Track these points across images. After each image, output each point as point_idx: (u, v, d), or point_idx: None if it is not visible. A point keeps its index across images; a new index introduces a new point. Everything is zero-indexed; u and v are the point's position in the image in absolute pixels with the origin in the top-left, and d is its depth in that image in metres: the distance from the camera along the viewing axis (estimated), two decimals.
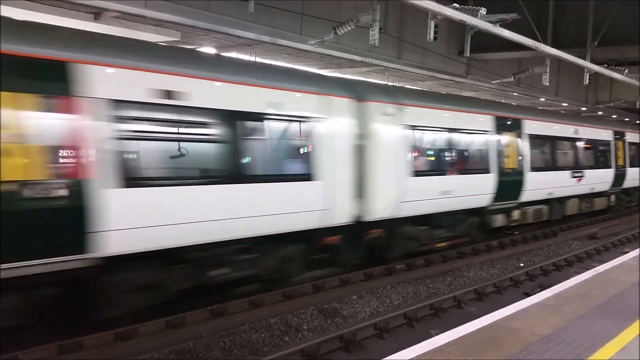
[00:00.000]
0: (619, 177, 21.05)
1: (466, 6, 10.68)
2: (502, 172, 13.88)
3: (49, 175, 6.04)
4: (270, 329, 7.96)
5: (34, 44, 6.12)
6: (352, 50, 13.70)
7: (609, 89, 27.11)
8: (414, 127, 11.23)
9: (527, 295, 8.99)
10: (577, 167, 17.79)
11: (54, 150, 6.09)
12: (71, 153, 6.23)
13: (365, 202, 10.17)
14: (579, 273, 9.21)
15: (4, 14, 6.57)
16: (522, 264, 13.11)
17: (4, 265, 5.79)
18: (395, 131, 10.77)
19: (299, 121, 8.95)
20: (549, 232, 17.08)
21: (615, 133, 21.02)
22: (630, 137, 22.41)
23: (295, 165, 8.99)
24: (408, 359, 4.90)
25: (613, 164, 20.51)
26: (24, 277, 6.06)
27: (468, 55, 12.58)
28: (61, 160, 6.14)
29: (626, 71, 17.17)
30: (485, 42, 14.36)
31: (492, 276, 11.67)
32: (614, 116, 31.36)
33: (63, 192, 6.17)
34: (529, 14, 14.11)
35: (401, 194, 10.81)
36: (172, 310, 8.13)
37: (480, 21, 10.73)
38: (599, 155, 19.58)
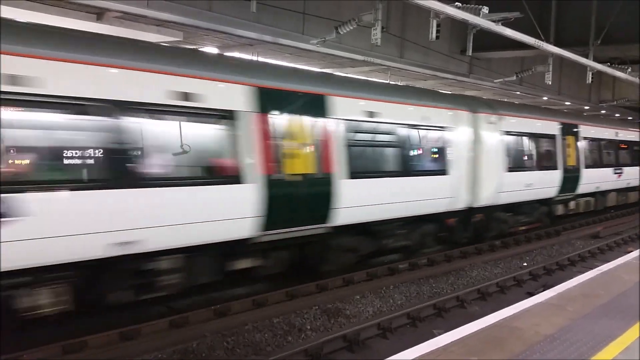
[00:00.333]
0: None
1: (468, 5, 10.68)
2: (565, 169, 16.44)
3: (317, 170, 9.00)
4: (273, 329, 7.96)
5: (313, 85, 9.30)
6: (354, 50, 13.70)
7: (612, 88, 27.08)
8: (508, 133, 13.88)
9: (531, 294, 8.96)
10: (617, 165, 20.48)
11: (316, 153, 8.99)
12: (325, 156, 9.12)
13: (474, 192, 12.81)
14: (583, 272, 9.19)
15: (4, 14, 6.58)
16: (525, 264, 13.09)
17: (292, 229, 8.77)
18: (496, 136, 13.43)
19: (439, 130, 11.80)
20: (552, 232, 17.05)
21: None
22: None
23: (437, 163, 11.79)
24: (411, 359, 4.89)
25: None
26: (293, 239, 8.90)
27: (470, 54, 12.58)
28: (320, 161, 9.06)
29: (629, 70, 17.14)
30: (487, 41, 14.34)
31: (496, 276, 11.65)
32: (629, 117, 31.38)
33: (322, 182, 9.11)
34: (531, 12, 14.09)
35: (499, 186, 13.45)
36: (175, 310, 8.15)
37: (482, 20, 10.72)
38: (634, 154, 22.29)
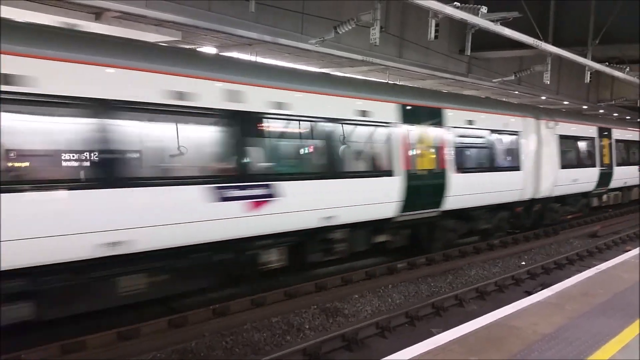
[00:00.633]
0: None
1: (467, 5, 10.68)
2: (601, 167, 19.31)
3: (436, 166, 11.77)
4: (272, 328, 7.97)
5: (433, 101, 12.14)
6: (353, 50, 13.70)
7: (610, 87, 27.08)
8: (561, 136, 16.65)
9: (529, 293, 8.98)
10: None
11: (435, 153, 11.72)
12: (441, 155, 11.89)
13: (536, 185, 15.38)
14: (581, 271, 9.20)
15: (4, 14, 6.59)
16: (523, 263, 13.12)
17: (419, 212, 11.41)
18: (553, 138, 16.21)
19: (515, 134, 14.57)
20: (550, 231, 17.08)
21: None
22: None
23: (512, 161, 14.45)
24: (410, 358, 4.90)
25: None
26: (417, 219, 11.56)
27: (469, 53, 12.57)
28: (438, 159, 11.79)
29: (627, 69, 17.16)
30: (486, 40, 14.36)
31: (494, 275, 11.67)
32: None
33: (440, 175, 11.86)
34: (530, 12, 14.09)
35: (554, 181, 16.24)
36: (175, 310, 8.15)
37: (481, 20, 10.73)
38: None
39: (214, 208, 7.56)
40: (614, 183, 20.70)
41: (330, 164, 9.43)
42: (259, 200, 8.16)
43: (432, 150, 11.68)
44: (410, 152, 11.08)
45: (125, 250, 6.70)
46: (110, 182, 6.52)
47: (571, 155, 17.48)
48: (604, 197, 20.83)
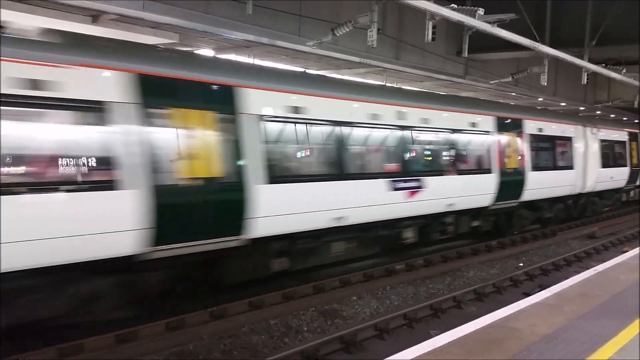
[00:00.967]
0: None
1: (464, 6, 10.69)
2: (631, 166, 22.51)
3: (518, 165, 14.72)
4: (270, 331, 7.96)
5: (516, 113, 15.43)
6: (351, 52, 13.70)
7: (607, 89, 27.13)
8: (602, 140, 19.72)
9: (527, 295, 8.97)
10: None
11: (517, 155, 14.68)
12: (521, 156, 14.93)
13: (583, 181, 18.48)
14: (579, 273, 9.21)
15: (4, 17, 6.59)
16: (521, 264, 13.13)
17: (505, 202, 14.30)
18: (595, 142, 19.32)
19: (569, 139, 17.67)
20: (548, 232, 17.10)
21: None
22: None
23: (568, 162, 17.51)
24: (409, 359, 4.89)
25: None
26: (501, 209, 14.47)
27: (466, 55, 12.60)
28: (519, 160, 14.82)
29: (624, 71, 17.20)
30: (483, 42, 14.36)
31: (492, 276, 11.68)
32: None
33: (520, 173, 14.75)
34: (527, 13, 14.12)
35: (597, 178, 19.28)
36: (172, 313, 8.12)
37: (478, 21, 10.74)
38: None
39: (390, 195, 10.60)
40: None
41: (455, 163, 12.62)
42: (413, 190, 11.22)
43: (516, 152, 14.70)
44: (502, 155, 14.07)
45: (344, 223, 9.79)
46: (340, 177, 9.75)
47: (609, 156, 20.45)
48: (632, 192, 24.94)
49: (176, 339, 7.41)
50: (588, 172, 18.58)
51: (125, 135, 6.77)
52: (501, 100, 22.32)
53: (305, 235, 9.32)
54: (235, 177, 7.92)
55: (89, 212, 6.43)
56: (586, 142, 18.58)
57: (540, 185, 15.56)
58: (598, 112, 29.79)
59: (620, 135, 21.84)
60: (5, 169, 5.82)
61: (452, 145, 12.48)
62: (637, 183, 23.85)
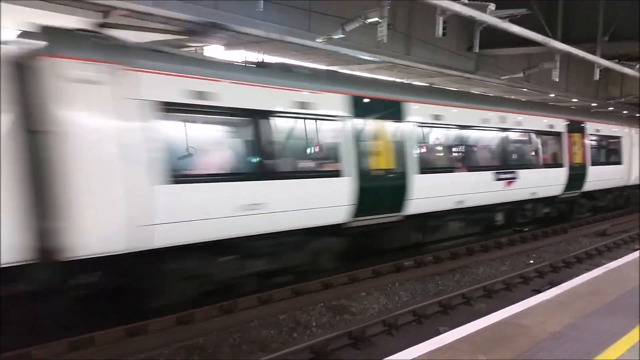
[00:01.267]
0: None
1: (475, 1, 10.61)
2: None
3: (582, 161, 17.27)
4: (279, 326, 7.99)
5: (577, 116, 18.18)
6: (360, 47, 13.65)
7: (619, 85, 26.85)
8: None
9: (537, 292, 8.94)
10: None
11: (581, 152, 17.28)
12: (584, 153, 17.46)
13: (629, 175, 20.86)
14: (589, 270, 9.15)
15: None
16: (531, 261, 13.06)
17: (571, 192, 17.12)
18: (638, 140, 21.57)
19: (620, 138, 20.25)
20: (558, 229, 17.00)
21: None
22: None
23: (617, 157, 20.03)
24: (417, 356, 4.89)
25: None
26: (568, 198, 17.28)
27: (477, 51, 12.50)
28: (583, 156, 17.41)
29: (637, 66, 17.00)
30: (494, 37, 14.23)
31: (502, 273, 11.62)
32: None
33: (583, 167, 17.42)
34: (538, 9, 14.00)
35: (638, 172, 21.29)
36: (182, 307, 8.18)
37: (489, 17, 10.65)
38: None
39: (494, 184, 13.23)
40: None
41: (534, 159, 15.20)
42: (510, 181, 13.72)
43: (580, 150, 17.16)
44: (571, 151, 16.54)
45: (463, 205, 12.33)
46: (460, 168, 12.43)
47: None
48: None
49: (185, 333, 7.46)
50: (633, 168, 21.10)
51: (346, 140, 9.72)
52: (512, 97, 22.22)
53: (435, 215, 11.99)
54: (401, 168, 10.71)
55: (333, 191, 9.57)
56: (631, 141, 21.13)
57: (597, 178, 18.06)
58: (610, 109, 29.50)
59: None
60: (322, 167, 9.54)
61: (537, 143, 15.29)
62: None
